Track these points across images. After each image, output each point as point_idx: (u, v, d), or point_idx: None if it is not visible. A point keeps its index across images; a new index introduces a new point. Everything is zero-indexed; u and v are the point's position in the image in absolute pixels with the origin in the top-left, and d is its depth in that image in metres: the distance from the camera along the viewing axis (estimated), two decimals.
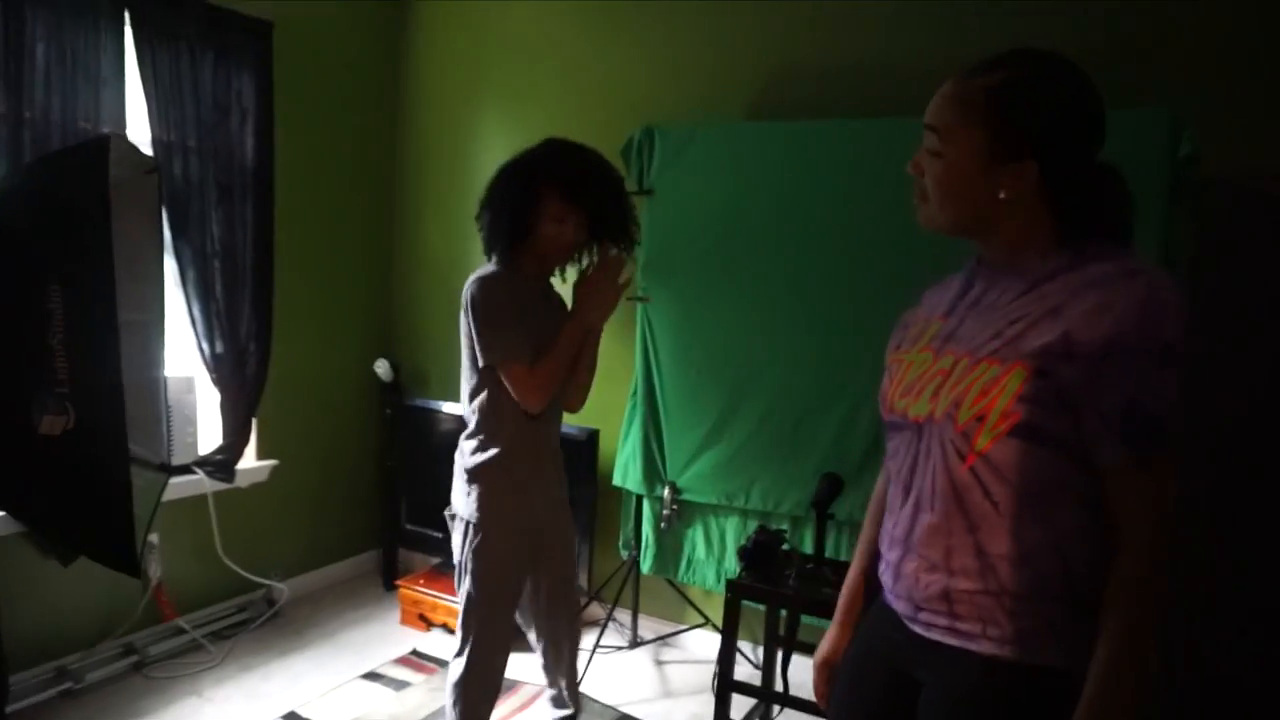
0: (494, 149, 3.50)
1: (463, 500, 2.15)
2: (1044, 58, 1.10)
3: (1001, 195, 1.10)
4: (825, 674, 1.43)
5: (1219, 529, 2.29)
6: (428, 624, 3.30)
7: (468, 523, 2.13)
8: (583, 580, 3.15)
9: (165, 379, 2.29)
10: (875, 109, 2.73)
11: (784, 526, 2.88)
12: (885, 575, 1.25)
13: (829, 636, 1.45)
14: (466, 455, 2.14)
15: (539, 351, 2.04)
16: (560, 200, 2.01)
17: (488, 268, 2.09)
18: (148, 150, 2.76)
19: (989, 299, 1.16)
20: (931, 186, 1.16)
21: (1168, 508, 1.02)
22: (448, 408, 3.50)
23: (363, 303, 3.79)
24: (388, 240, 3.86)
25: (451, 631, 3.24)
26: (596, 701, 2.76)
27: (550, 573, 2.26)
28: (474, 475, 2.11)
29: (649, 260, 3.02)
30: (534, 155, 2.08)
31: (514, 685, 2.84)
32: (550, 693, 2.44)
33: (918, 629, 1.17)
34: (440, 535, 3.49)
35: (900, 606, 1.21)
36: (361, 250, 3.76)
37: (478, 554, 2.12)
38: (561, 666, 2.38)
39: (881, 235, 2.66)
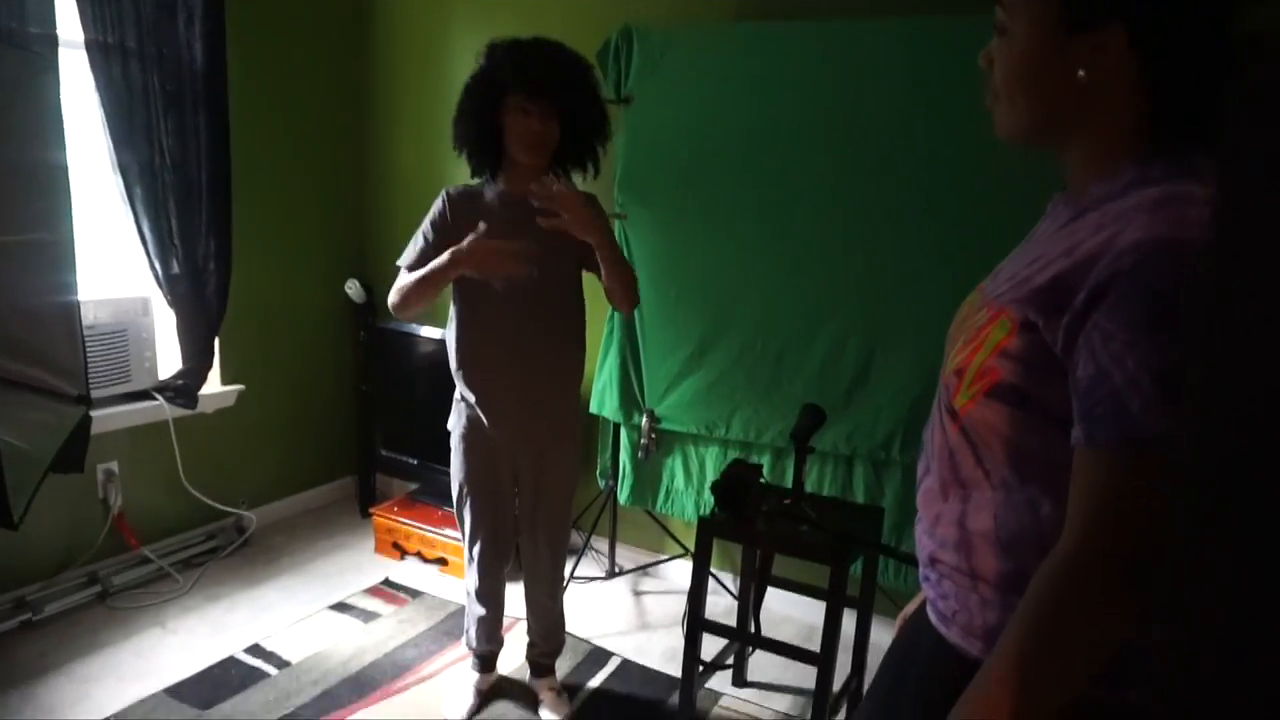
0: (465, 57, 3.23)
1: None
2: None
3: (1080, 74, 0.85)
4: (900, 628, 1.33)
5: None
6: (402, 552, 3.23)
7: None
8: None
9: (78, 303, 2.12)
10: (876, 7, 2.48)
11: (765, 458, 2.78)
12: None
13: (916, 598, 1.34)
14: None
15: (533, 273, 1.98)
16: (520, 92, 1.95)
17: (463, 184, 2.15)
18: (80, 53, 2.55)
19: (1039, 232, 0.98)
20: (1000, 78, 0.94)
21: (1123, 510, 0.78)
22: (424, 331, 3.35)
23: (332, 221, 3.60)
24: (357, 154, 3.65)
25: (425, 560, 3.17)
26: (571, 635, 2.69)
27: (533, 504, 2.24)
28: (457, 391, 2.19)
29: (625, 175, 2.82)
30: (486, 59, 2.03)
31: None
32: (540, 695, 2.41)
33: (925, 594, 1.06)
34: (415, 462, 3.41)
35: (920, 571, 1.09)
36: (329, 165, 3.55)
37: (452, 472, 2.23)
38: (535, 604, 2.34)
39: (880, 152, 2.46)
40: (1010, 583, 0.91)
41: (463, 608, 2.86)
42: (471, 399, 2.12)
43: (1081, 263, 0.80)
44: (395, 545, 3.24)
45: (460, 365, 2.13)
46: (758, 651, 2.56)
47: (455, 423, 2.21)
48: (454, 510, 2.27)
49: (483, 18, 3.24)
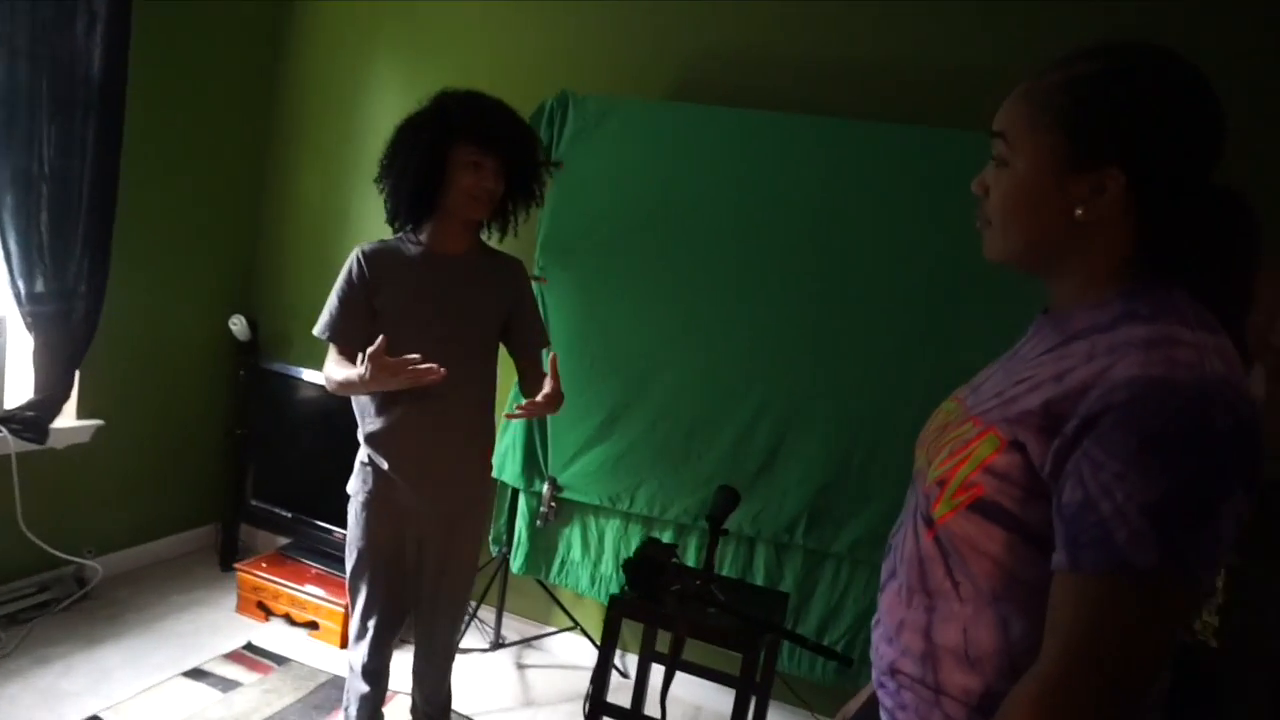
0: (386, 103, 3.17)
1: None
2: (1132, 46, 0.90)
3: (1078, 213, 0.89)
4: None
5: None
6: (268, 613, 2.98)
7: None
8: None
9: None
10: (807, 106, 2.59)
11: (668, 534, 2.75)
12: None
13: (857, 695, 1.30)
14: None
15: (441, 336, 1.91)
16: (473, 144, 1.89)
17: (379, 239, 2.02)
18: None
19: (1023, 351, 1.00)
20: (995, 206, 0.97)
21: (1105, 637, 0.78)
22: (310, 375, 3.17)
23: (222, 249, 3.38)
24: (257, 185, 3.46)
25: (294, 623, 2.94)
26: (454, 711, 2.54)
27: (437, 576, 2.10)
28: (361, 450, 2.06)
29: (549, 238, 2.79)
30: (437, 105, 1.96)
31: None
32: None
33: (879, 701, 1.04)
34: (290, 515, 3.18)
35: (875, 677, 1.07)
36: (225, 192, 3.34)
37: (349, 539, 2.08)
38: (426, 680, 2.19)
39: (801, 241, 2.54)
40: (977, 701, 0.90)
41: (335, 678, 2.66)
42: (383, 465, 2.00)
43: (1073, 391, 0.82)
44: (261, 605, 2.99)
45: (370, 427, 2.01)
46: None
47: (358, 487, 2.07)
48: (346, 579, 2.11)
49: (409, 57, 3.17)
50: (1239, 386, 0.78)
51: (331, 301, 2.00)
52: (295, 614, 2.94)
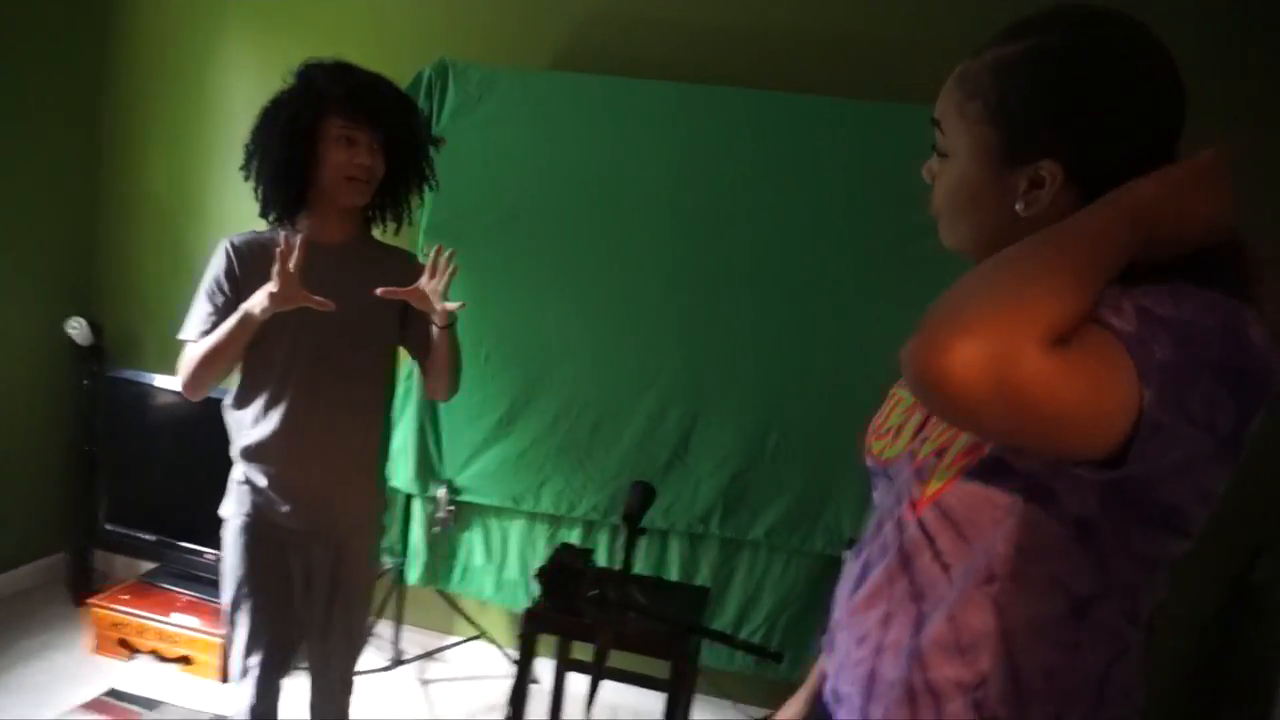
0: (241, 83, 2.87)
1: None
2: (1071, 17, 0.80)
3: (1018, 208, 0.81)
4: None
5: None
6: (131, 651, 2.67)
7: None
8: None
9: None
10: (708, 76, 2.48)
11: (575, 532, 2.62)
12: (825, 643, 1.00)
13: (791, 701, 1.19)
14: None
15: (322, 336, 1.71)
16: (345, 117, 1.69)
17: (251, 231, 1.81)
18: None
19: None
20: (940, 198, 0.89)
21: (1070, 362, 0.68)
22: (166, 381, 2.85)
23: (52, 247, 2.99)
24: (93, 175, 3.07)
25: (164, 659, 2.65)
26: None
27: (327, 604, 1.90)
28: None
29: (434, 223, 2.58)
30: (301, 78, 1.76)
31: None
32: None
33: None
34: (152, 538, 2.87)
35: (828, 689, 0.97)
36: (54, 182, 2.95)
37: (226, 569, 1.85)
38: (322, 715, 1.99)
39: (705, 220, 2.45)
40: (956, 689, 0.82)
41: (216, 717, 2.41)
42: (261, 483, 1.77)
43: None
44: (123, 643, 2.67)
45: (246, 440, 1.79)
46: None
47: (234, 510, 1.84)
48: (225, 612, 1.88)
49: (263, 32, 2.87)
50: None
51: (199, 300, 1.76)
52: (164, 649, 2.65)
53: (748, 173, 2.42)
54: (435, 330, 1.79)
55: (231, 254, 1.76)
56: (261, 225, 1.85)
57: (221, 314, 1.74)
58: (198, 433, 2.87)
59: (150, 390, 2.90)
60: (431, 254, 1.74)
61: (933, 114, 0.89)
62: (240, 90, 2.88)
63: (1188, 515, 0.77)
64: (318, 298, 1.60)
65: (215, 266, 1.77)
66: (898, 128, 2.30)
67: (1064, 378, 0.65)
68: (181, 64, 2.96)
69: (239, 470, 1.82)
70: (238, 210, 2.94)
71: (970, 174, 0.84)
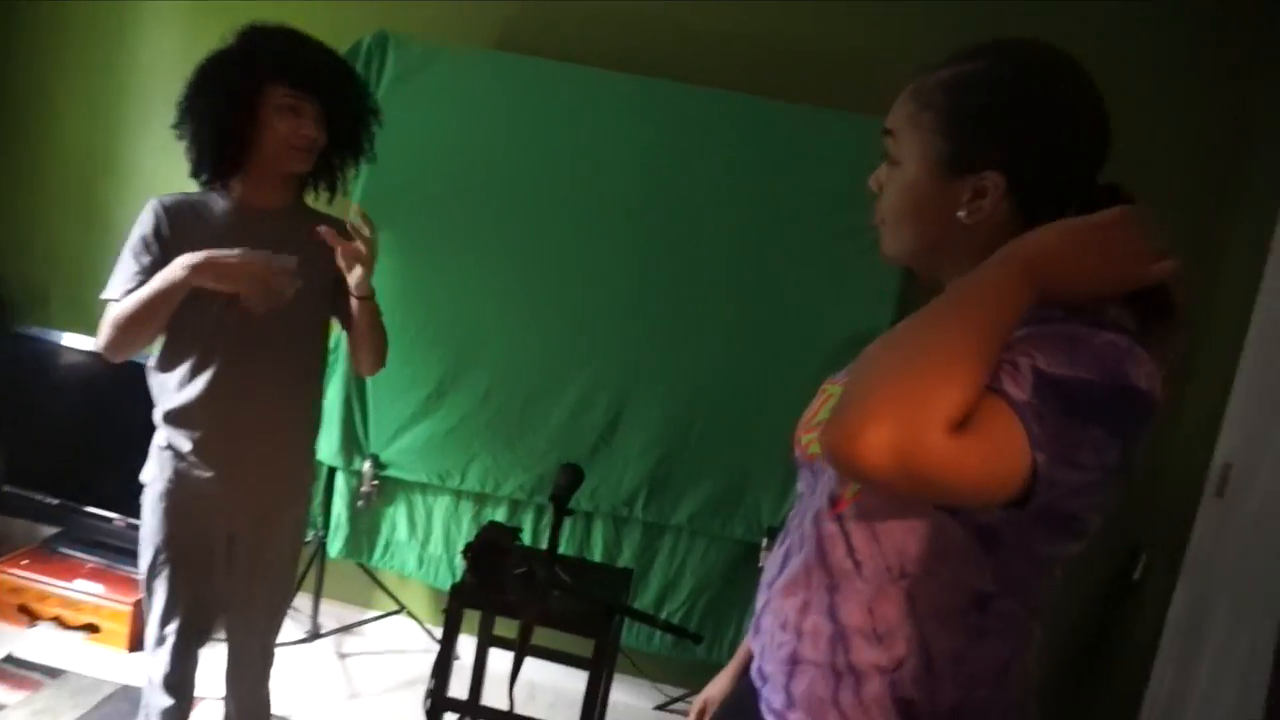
0: (163, 34, 2.76)
1: None
2: (1019, 46, 0.89)
3: (961, 215, 0.88)
4: (696, 714, 1.25)
5: None
6: (32, 618, 2.58)
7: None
8: None
9: None
10: (648, 68, 2.50)
11: (501, 510, 2.64)
12: (751, 625, 1.06)
13: (718, 678, 1.26)
14: None
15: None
16: (289, 86, 1.66)
17: (179, 193, 1.74)
18: None
19: None
20: (886, 206, 0.94)
21: (969, 438, 0.76)
22: (71, 340, 2.75)
23: None
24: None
25: (67, 627, 2.57)
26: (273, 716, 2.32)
27: (249, 574, 1.87)
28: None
29: (368, 194, 2.54)
30: (244, 41, 1.71)
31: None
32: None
33: (759, 704, 0.99)
34: (55, 501, 2.77)
35: (754, 669, 1.02)
36: None
37: (144, 534, 1.80)
38: (241, 686, 1.97)
39: (637, 208, 2.48)
40: (890, 676, 0.88)
41: (125, 688, 2.36)
42: (185, 448, 1.74)
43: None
44: (23, 609, 2.57)
45: (171, 404, 1.75)
46: None
47: (155, 475, 1.79)
48: (142, 579, 1.84)
49: None
50: (1156, 376, 0.80)
51: (124, 259, 1.71)
52: (67, 616, 2.57)
53: (681, 166, 2.47)
54: (354, 301, 1.76)
55: (161, 214, 1.71)
56: (187, 185, 1.81)
57: (147, 274, 1.69)
58: (106, 394, 2.79)
59: (56, 349, 2.78)
60: (351, 213, 1.72)
61: (885, 124, 0.94)
62: (163, 44, 2.78)
63: (1085, 521, 0.86)
64: (274, 280, 1.59)
65: (142, 225, 1.71)
66: (834, 133, 2.40)
67: (962, 459, 0.73)
68: (99, 12, 2.82)
69: (161, 435, 1.78)
70: (154, 166, 2.85)
71: (918, 180, 0.91)
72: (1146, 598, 2.42)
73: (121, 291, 1.69)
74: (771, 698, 0.98)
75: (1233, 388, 2.23)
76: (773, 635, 0.99)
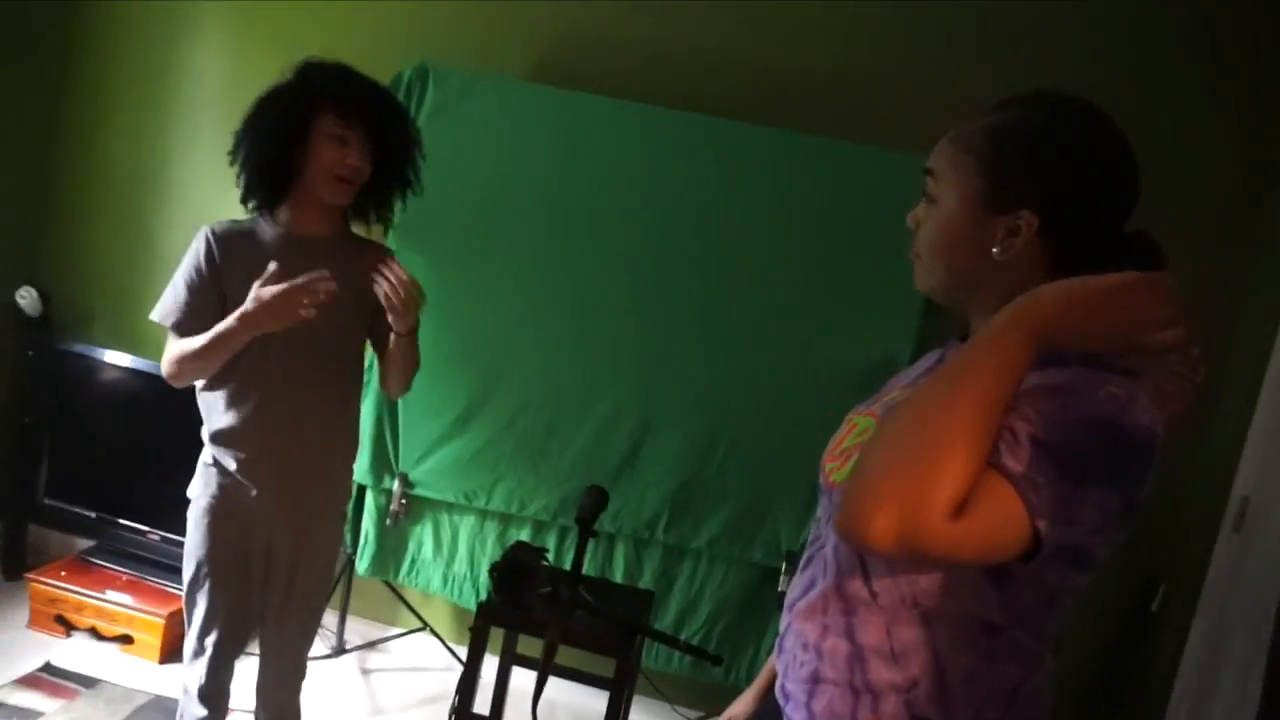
0: (212, 62, 2.88)
1: None
2: (1057, 98, 0.96)
3: (995, 251, 0.94)
4: None
5: None
6: (69, 628, 2.65)
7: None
8: None
9: None
10: (678, 101, 2.57)
11: (525, 531, 2.69)
12: (775, 645, 1.11)
13: (741, 697, 1.31)
14: None
15: (300, 327, 1.69)
16: (337, 116, 1.73)
17: (229, 219, 1.82)
18: None
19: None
20: (923, 240, 1.01)
21: (970, 517, 0.81)
22: (115, 358, 2.84)
23: (7, 214, 2.94)
24: (50, 143, 3.01)
25: (102, 637, 2.64)
26: None
27: (286, 588, 1.93)
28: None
29: (403, 220, 2.59)
30: (300, 73, 1.79)
31: None
32: None
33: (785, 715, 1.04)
34: (93, 514, 2.85)
35: (778, 687, 1.08)
36: (11, 150, 2.90)
37: (188, 548, 1.87)
38: (274, 700, 2.02)
39: (669, 237, 2.55)
40: (895, 691, 0.93)
41: (158, 698, 2.42)
42: (231, 466, 1.81)
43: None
44: (60, 619, 2.65)
45: (218, 424, 1.82)
46: None
47: (200, 491, 1.86)
48: (184, 592, 1.90)
49: (242, 18, 2.87)
50: (1157, 420, 0.85)
51: (176, 284, 1.79)
52: (103, 627, 2.64)
53: (711, 197, 2.53)
54: (393, 336, 1.81)
55: (212, 241, 1.78)
56: (231, 210, 1.89)
57: (197, 300, 1.77)
58: (145, 411, 2.88)
59: (98, 365, 2.88)
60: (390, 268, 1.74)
61: (928, 165, 1.00)
62: (212, 74, 2.89)
63: (1093, 555, 0.90)
64: (312, 294, 1.63)
65: (194, 253, 1.79)
66: (861, 167, 2.45)
67: (963, 539, 0.80)
68: (151, 40, 2.94)
69: (208, 452, 1.85)
70: (199, 190, 2.95)
71: (956, 218, 0.97)
72: (1165, 630, 2.43)
73: (168, 314, 1.78)
74: (793, 715, 1.03)
75: (1252, 423, 2.25)
76: (795, 655, 1.04)
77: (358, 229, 1.98)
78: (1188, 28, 2.46)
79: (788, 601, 1.09)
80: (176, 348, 1.76)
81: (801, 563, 1.10)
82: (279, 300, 1.63)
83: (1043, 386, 0.84)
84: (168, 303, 1.80)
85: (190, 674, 1.94)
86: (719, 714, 1.33)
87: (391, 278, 1.71)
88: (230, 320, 1.67)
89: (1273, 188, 2.42)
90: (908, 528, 0.78)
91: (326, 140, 1.75)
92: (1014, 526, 0.81)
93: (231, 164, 1.82)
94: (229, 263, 1.78)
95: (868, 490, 0.81)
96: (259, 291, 1.65)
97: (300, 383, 1.80)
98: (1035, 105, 0.95)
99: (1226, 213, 2.47)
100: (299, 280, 1.64)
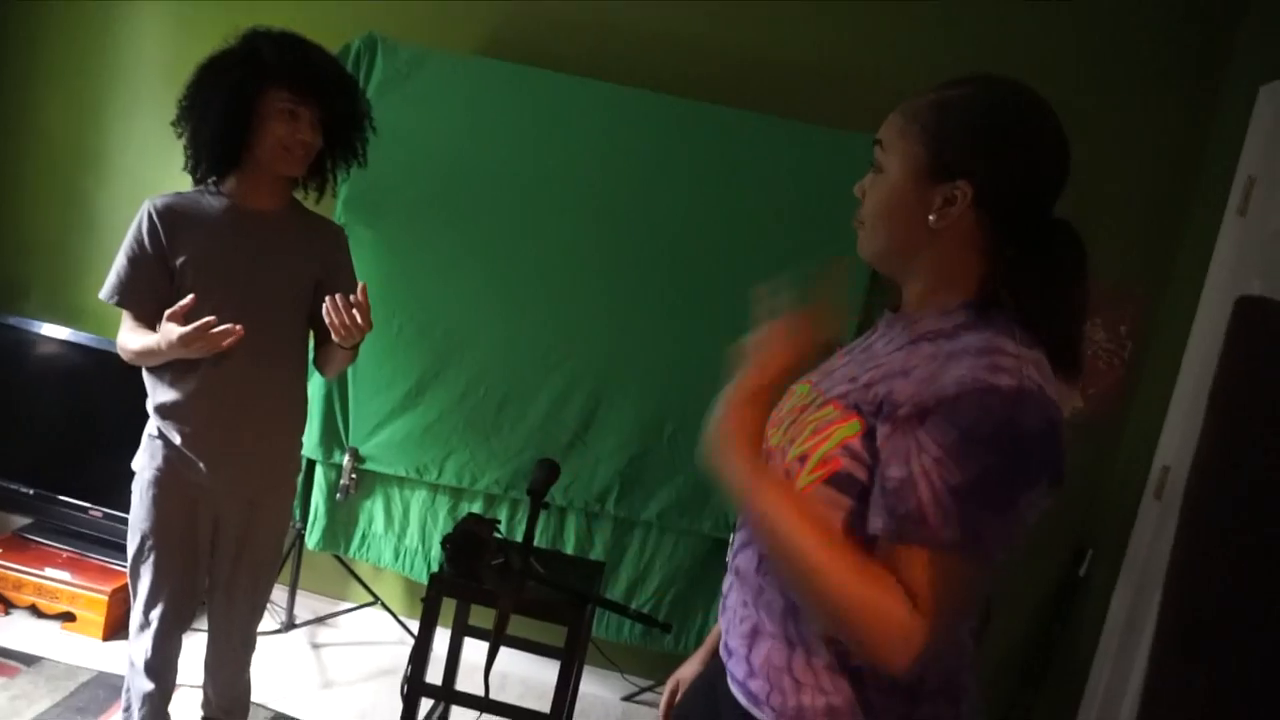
0: (152, 30, 2.80)
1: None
2: (1003, 80, 1.01)
3: (931, 219, 0.99)
4: (669, 693, 1.35)
5: None
6: (8, 606, 2.60)
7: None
8: None
9: None
10: (628, 77, 2.59)
11: (477, 504, 2.71)
12: (720, 604, 1.16)
13: (689, 660, 1.35)
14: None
15: (247, 300, 1.74)
16: (290, 91, 1.72)
17: (173, 191, 1.81)
18: None
19: (876, 346, 1.08)
20: (868, 208, 1.06)
21: (930, 596, 0.88)
22: (51, 330, 2.77)
23: None
24: None
25: (43, 615, 2.59)
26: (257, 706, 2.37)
27: (233, 559, 1.94)
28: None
29: (353, 193, 2.59)
30: (246, 44, 1.77)
31: None
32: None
33: (726, 679, 1.09)
34: (30, 491, 2.79)
35: (721, 645, 1.13)
36: None
37: (132, 520, 1.86)
38: (223, 672, 2.03)
39: (616, 213, 2.56)
40: (821, 648, 0.99)
41: (101, 674, 2.39)
42: (176, 439, 1.80)
43: (915, 383, 0.93)
44: None
45: (162, 397, 1.80)
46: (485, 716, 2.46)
47: (145, 463, 1.85)
48: (128, 565, 1.89)
49: None
50: (1049, 396, 0.90)
51: (119, 261, 1.77)
52: (44, 605, 2.59)
53: (665, 174, 2.55)
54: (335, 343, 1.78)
55: (155, 215, 1.77)
56: (169, 182, 1.87)
57: (142, 275, 1.76)
58: (84, 386, 2.81)
59: (34, 338, 2.80)
60: (359, 291, 1.72)
61: (876, 136, 1.05)
62: (149, 42, 2.81)
63: (1027, 523, 0.94)
64: (218, 331, 1.61)
65: (135, 227, 1.78)
66: (808, 147, 2.50)
67: (949, 614, 0.89)
68: (89, 8, 2.83)
69: (153, 424, 1.84)
70: (138, 160, 2.88)
71: (898, 185, 1.01)
72: (1092, 594, 2.55)
73: (112, 292, 1.78)
74: (735, 669, 1.08)
75: (1173, 395, 2.37)
76: (736, 612, 1.09)
77: (300, 198, 1.96)
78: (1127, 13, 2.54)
79: (729, 560, 1.14)
80: (125, 335, 1.77)
81: (738, 521, 1.15)
82: (192, 337, 1.61)
83: (927, 409, 0.90)
84: (112, 280, 1.79)
85: (135, 648, 1.93)
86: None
87: (347, 319, 1.68)
88: (151, 342, 1.69)
89: (1196, 173, 2.53)
90: (902, 658, 0.87)
91: (278, 114, 1.74)
92: (981, 577, 0.91)
93: (179, 135, 1.79)
94: (173, 236, 1.76)
95: (860, 648, 0.91)
96: (168, 331, 1.63)
97: (245, 356, 1.79)
98: (982, 85, 1.01)
99: (1154, 180, 2.57)
100: (211, 325, 1.61)
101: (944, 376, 0.90)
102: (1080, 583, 2.57)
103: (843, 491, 0.96)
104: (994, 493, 0.88)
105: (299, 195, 1.96)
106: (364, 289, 1.72)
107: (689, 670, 1.35)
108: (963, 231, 0.99)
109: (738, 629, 1.08)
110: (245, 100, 1.71)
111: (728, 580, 1.15)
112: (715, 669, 1.17)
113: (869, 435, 0.95)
